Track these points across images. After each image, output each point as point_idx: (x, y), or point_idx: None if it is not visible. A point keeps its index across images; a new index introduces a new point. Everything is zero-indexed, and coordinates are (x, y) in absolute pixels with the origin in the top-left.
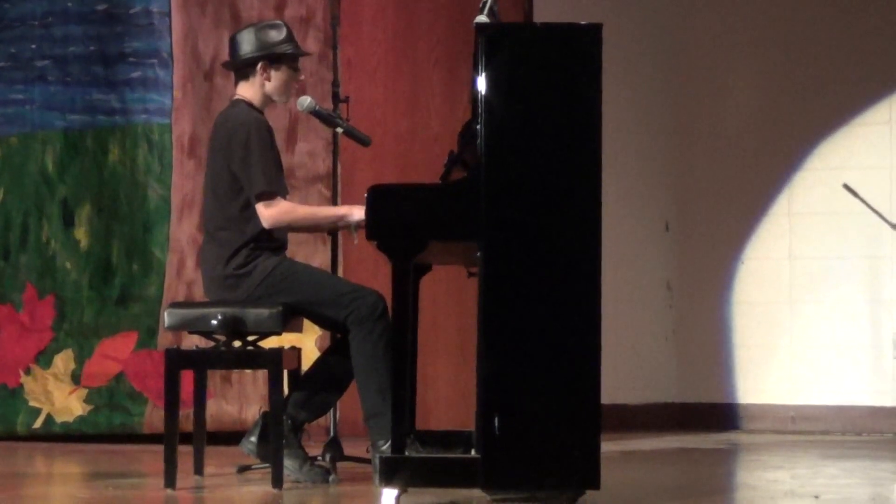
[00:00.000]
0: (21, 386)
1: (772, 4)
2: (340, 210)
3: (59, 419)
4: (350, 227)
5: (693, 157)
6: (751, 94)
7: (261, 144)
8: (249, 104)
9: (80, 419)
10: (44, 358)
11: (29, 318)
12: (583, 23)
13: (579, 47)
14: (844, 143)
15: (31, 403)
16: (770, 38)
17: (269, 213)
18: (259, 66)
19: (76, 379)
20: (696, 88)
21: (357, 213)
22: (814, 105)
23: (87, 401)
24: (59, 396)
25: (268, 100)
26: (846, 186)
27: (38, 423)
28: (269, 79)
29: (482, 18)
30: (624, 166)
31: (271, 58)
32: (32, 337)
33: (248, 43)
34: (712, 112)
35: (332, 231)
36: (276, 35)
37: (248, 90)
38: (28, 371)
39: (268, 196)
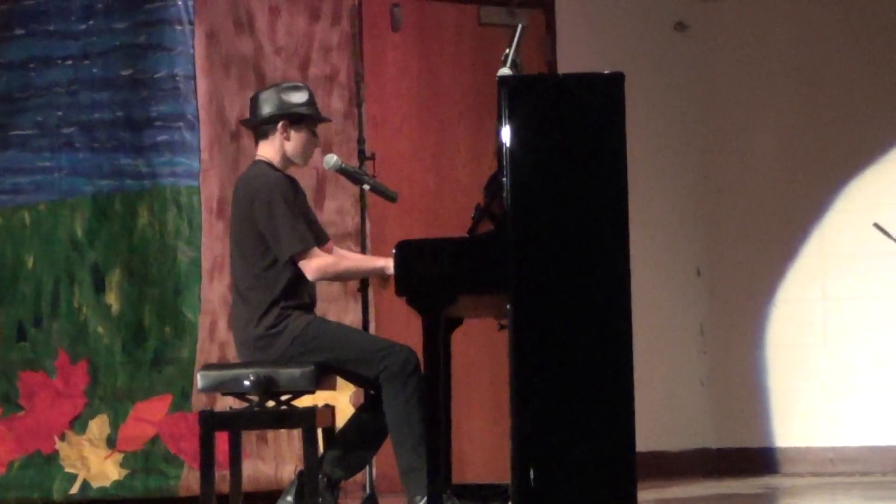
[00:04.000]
0: (56, 452)
1: (796, 45)
2: (381, 261)
3: (95, 484)
4: (382, 279)
5: (722, 202)
6: (778, 136)
7: (284, 203)
8: (269, 164)
9: (117, 483)
10: (78, 423)
11: (63, 384)
12: (605, 72)
13: (603, 96)
14: (874, 181)
15: (67, 469)
16: (795, 79)
17: (311, 267)
18: (280, 125)
19: (111, 443)
20: (723, 132)
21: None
22: (841, 145)
23: (122, 465)
24: (94, 461)
25: (288, 161)
26: (877, 225)
27: (74, 489)
28: (288, 138)
29: (505, 71)
30: (653, 213)
31: (292, 118)
32: (66, 403)
33: (269, 102)
34: (740, 155)
35: (364, 287)
36: (299, 97)
37: (268, 150)
38: (63, 437)
39: (303, 254)
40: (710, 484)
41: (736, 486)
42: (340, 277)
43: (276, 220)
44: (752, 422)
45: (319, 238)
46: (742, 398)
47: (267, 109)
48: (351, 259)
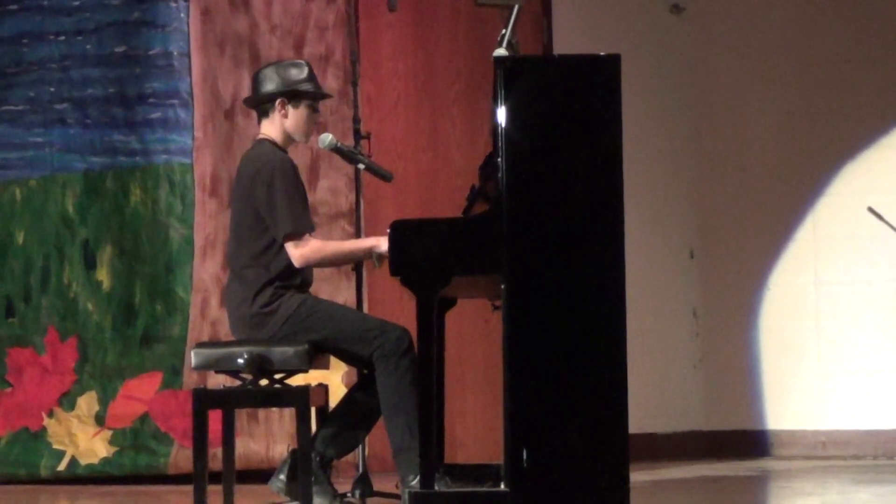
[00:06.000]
0: (44, 429)
1: (790, 29)
2: (368, 242)
3: (83, 461)
4: (374, 257)
5: (716, 184)
6: (773, 119)
7: (285, 183)
8: (273, 143)
9: (105, 461)
10: (67, 400)
11: (51, 360)
12: (601, 53)
13: (598, 78)
14: (868, 166)
15: (55, 446)
16: (789, 62)
17: (298, 252)
18: (277, 102)
19: (100, 421)
20: (718, 115)
21: (384, 243)
22: (836, 129)
23: (111, 442)
24: (83, 438)
25: (289, 139)
26: (871, 209)
27: (62, 466)
28: (286, 115)
29: (501, 52)
30: (647, 195)
31: (289, 94)
32: (55, 380)
33: (268, 80)
34: (734, 138)
35: (357, 266)
36: (297, 73)
37: (270, 128)
38: (51, 414)
39: (296, 236)
40: (701, 466)
41: (727, 468)
42: (327, 262)
43: (275, 199)
44: (744, 404)
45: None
46: (734, 381)
47: (266, 87)
48: (335, 242)
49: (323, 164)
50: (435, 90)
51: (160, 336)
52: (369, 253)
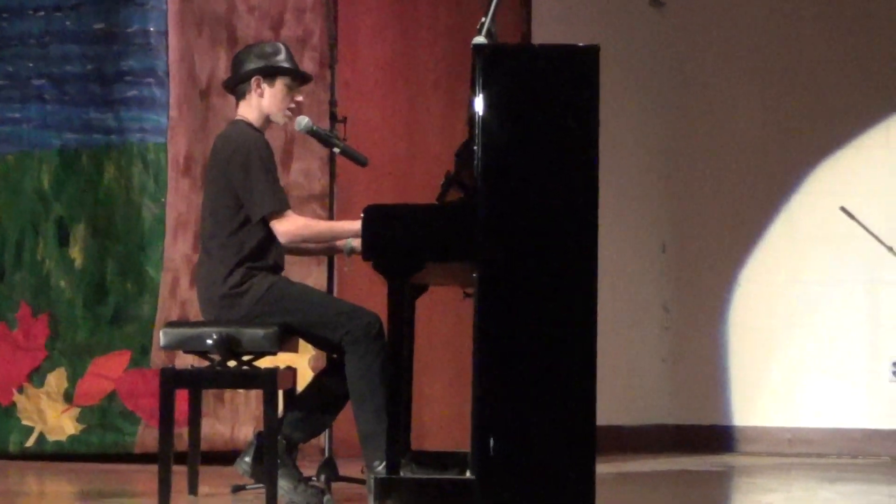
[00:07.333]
0: (14, 404)
1: (770, 28)
2: (357, 224)
3: (51, 438)
4: (344, 252)
5: (691, 179)
6: (749, 117)
7: (262, 163)
8: (249, 124)
9: (73, 438)
10: (37, 376)
11: (23, 336)
12: (580, 44)
13: (577, 69)
14: (843, 166)
15: (24, 422)
16: (768, 60)
17: (284, 228)
18: (253, 81)
19: (69, 398)
20: (694, 110)
21: None
22: (812, 128)
23: (79, 420)
24: (51, 415)
25: (266, 119)
26: (844, 209)
27: (30, 442)
28: (262, 95)
29: (480, 39)
30: (621, 188)
31: (265, 72)
32: (26, 355)
33: (245, 60)
34: (710, 134)
35: (329, 255)
36: (274, 51)
37: (246, 109)
38: (21, 390)
39: (279, 214)
40: (667, 460)
41: (693, 462)
42: (313, 239)
43: (251, 179)
44: (711, 400)
45: None
46: (703, 376)
47: (242, 68)
48: (325, 221)
49: (297, 146)
50: (413, 76)
51: (130, 315)
52: (356, 234)
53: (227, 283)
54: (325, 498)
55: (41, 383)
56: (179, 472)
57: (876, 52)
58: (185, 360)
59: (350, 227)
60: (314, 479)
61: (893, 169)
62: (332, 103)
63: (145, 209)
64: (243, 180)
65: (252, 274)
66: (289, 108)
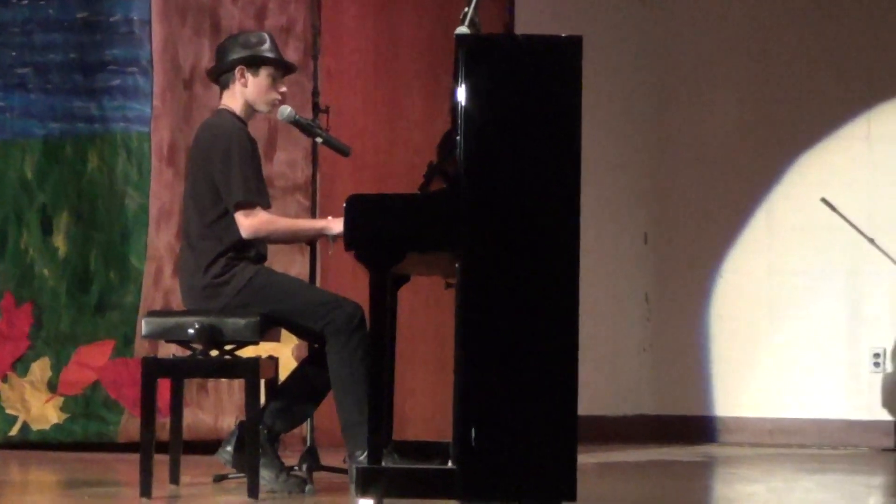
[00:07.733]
0: None
1: (751, 19)
2: (320, 223)
3: (35, 427)
4: (328, 237)
5: (673, 170)
6: (730, 108)
7: (241, 154)
8: (232, 114)
9: (56, 427)
10: (21, 365)
11: (6, 325)
12: (563, 34)
13: (560, 59)
14: (823, 158)
15: (8, 411)
16: (750, 52)
17: (248, 223)
18: (237, 70)
19: (52, 387)
20: (677, 101)
21: (336, 226)
22: (793, 120)
23: (63, 409)
24: (35, 404)
25: (250, 109)
26: (824, 201)
27: (14, 431)
28: (245, 84)
29: (463, 30)
30: (603, 178)
31: (248, 61)
32: (9, 345)
33: (228, 50)
34: (692, 124)
35: (311, 241)
36: (258, 40)
37: (230, 99)
38: (5, 379)
39: (247, 206)
40: (649, 450)
41: (674, 453)
42: (276, 237)
43: (229, 169)
44: (692, 390)
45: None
46: (684, 366)
47: (227, 57)
48: (288, 219)
49: (280, 136)
50: (396, 66)
51: (113, 304)
52: (322, 233)
53: (209, 273)
54: (307, 487)
55: (25, 372)
56: (162, 462)
57: (857, 45)
58: (169, 350)
59: (312, 225)
60: (296, 468)
61: (874, 161)
62: (315, 93)
63: (129, 198)
64: (221, 170)
65: (234, 264)
66: (274, 99)
